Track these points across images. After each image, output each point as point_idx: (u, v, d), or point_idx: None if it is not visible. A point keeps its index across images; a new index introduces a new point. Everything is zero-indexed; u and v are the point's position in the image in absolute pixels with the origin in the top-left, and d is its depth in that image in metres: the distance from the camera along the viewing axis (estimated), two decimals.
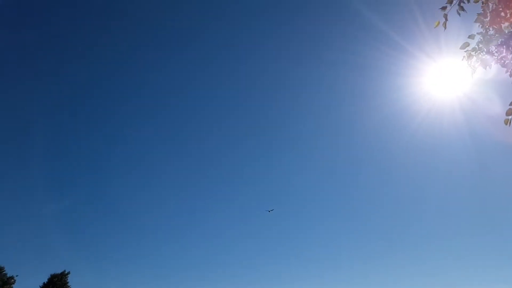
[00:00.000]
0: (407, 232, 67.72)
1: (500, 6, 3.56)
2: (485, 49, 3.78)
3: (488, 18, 3.66)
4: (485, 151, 60.73)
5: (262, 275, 62.11)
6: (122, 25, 64.07)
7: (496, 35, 3.70)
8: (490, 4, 3.63)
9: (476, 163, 62.95)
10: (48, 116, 67.60)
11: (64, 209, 60.79)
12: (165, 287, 61.28)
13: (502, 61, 3.73)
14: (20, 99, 64.05)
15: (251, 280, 61.53)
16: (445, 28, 3.83)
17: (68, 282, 33.90)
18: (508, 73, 3.72)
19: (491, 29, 3.69)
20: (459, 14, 3.77)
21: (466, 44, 3.85)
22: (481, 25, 3.75)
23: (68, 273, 34.27)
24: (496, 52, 3.74)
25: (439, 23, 3.84)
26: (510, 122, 3.50)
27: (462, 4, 3.74)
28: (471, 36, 3.80)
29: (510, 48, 3.64)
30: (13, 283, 32.05)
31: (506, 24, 3.60)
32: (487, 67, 3.82)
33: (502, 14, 3.55)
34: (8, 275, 32.01)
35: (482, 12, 3.69)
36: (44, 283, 33.27)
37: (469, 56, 3.86)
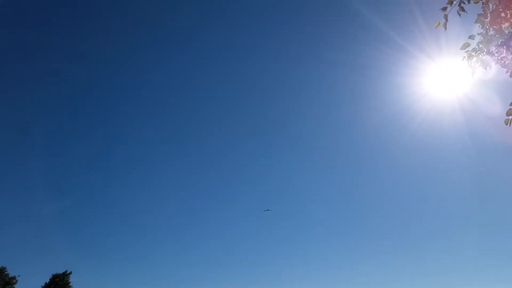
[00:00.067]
0: (407, 232, 67.74)
1: (500, 6, 3.56)
2: (485, 50, 3.79)
3: (489, 18, 3.66)
4: (485, 152, 60.73)
5: (263, 275, 62.13)
6: (122, 25, 64.07)
7: (496, 35, 3.70)
8: (490, 4, 3.63)
9: (476, 163, 62.97)
10: (48, 116, 67.62)
11: (64, 209, 60.83)
12: (165, 287, 61.29)
13: (502, 61, 3.73)
14: (20, 99, 64.08)
15: (251, 280, 61.56)
16: (445, 28, 3.84)
17: (70, 282, 33.97)
18: (508, 73, 3.73)
19: (491, 29, 3.69)
20: (459, 14, 3.78)
21: (466, 45, 3.85)
22: (481, 26, 3.75)
23: (70, 273, 34.35)
24: (496, 52, 3.74)
25: (439, 23, 3.85)
26: (510, 123, 3.50)
27: (462, 5, 3.74)
28: (471, 37, 3.81)
29: (510, 48, 3.65)
30: (15, 283, 32.11)
31: (506, 24, 3.60)
32: (487, 67, 3.82)
33: (503, 14, 3.55)
34: (10, 275, 32.08)
35: (483, 12, 3.69)
36: (46, 283, 33.33)
37: (470, 56, 3.86)
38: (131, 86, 70.16)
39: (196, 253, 65.46)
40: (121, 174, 70.99)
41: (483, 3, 3.70)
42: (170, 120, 72.60)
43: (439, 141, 65.14)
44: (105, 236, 64.96)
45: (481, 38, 3.77)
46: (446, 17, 3.80)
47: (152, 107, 71.95)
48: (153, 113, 72.60)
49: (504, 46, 3.68)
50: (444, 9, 3.78)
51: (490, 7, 3.64)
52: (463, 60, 3.92)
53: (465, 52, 3.88)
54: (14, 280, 32.14)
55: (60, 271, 34.44)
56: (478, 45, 3.81)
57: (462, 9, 3.74)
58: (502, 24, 3.60)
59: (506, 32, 3.66)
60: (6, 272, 32.11)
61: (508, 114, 3.52)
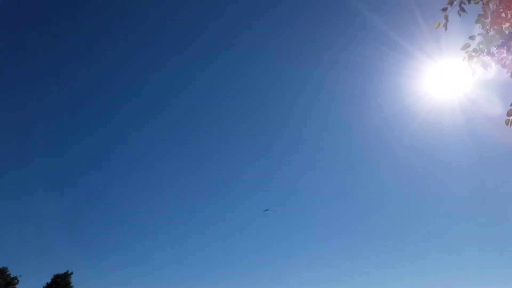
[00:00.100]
0: (407, 232, 67.71)
1: (500, 7, 3.56)
2: (485, 50, 3.78)
3: (489, 19, 3.66)
4: (486, 152, 60.73)
5: (263, 275, 62.12)
6: (122, 25, 64.09)
7: (497, 36, 3.70)
8: (491, 5, 3.63)
9: (476, 163, 62.92)
10: (48, 116, 67.62)
11: (64, 209, 60.81)
12: (165, 287, 61.26)
13: (503, 62, 3.73)
14: (20, 99, 64.08)
15: (251, 280, 61.55)
16: (445, 29, 3.84)
17: (71, 282, 34.04)
18: (509, 74, 3.73)
19: (491, 30, 3.69)
20: (460, 15, 3.78)
21: (466, 45, 3.85)
22: (481, 26, 3.75)
23: (71, 273, 34.44)
24: (496, 53, 3.74)
25: (439, 24, 3.85)
26: (511, 123, 3.50)
27: (462, 5, 3.74)
28: (471, 37, 3.80)
29: (510, 49, 3.65)
30: (17, 284, 32.16)
31: (507, 25, 3.60)
32: (488, 68, 3.82)
33: (503, 15, 3.55)
34: (11, 276, 32.10)
35: (483, 13, 3.69)
36: (47, 283, 33.40)
37: (470, 57, 3.86)
38: (131, 86, 70.23)
39: (196, 253, 65.45)
40: (121, 174, 71.01)
41: (483, 4, 3.70)
42: (170, 120, 72.67)
43: (439, 141, 65.18)
44: (105, 236, 64.99)
45: (482, 39, 3.77)
46: (446, 17, 3.80)
47: (152, 107, 72.02)
48: (153, 113, 72.65)
49: (505, 47, 3.68)
50: (445, 9, 3.78)
51: (491, 8, 3.64)
52: (463, 60, 3.92)
53: (466, 52, 3.88)
54: (16, 281, 32.19)
55: (61, 271, 34.56)
56: (478, 46, 3.81)
57: (463, 10, 3.74)
58: (502, 25, 3.60)
59: (507, 32, 3.66)
60: (7, 273, 32.16)
61: (508, 114, 3.52)
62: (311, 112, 71.69)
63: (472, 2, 3.76)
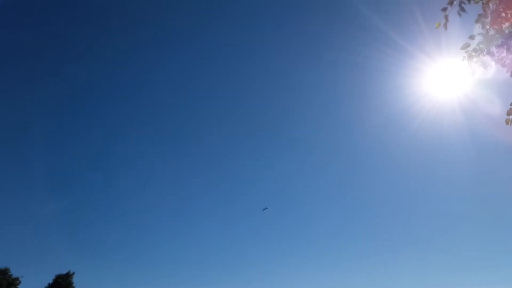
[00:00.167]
0: (406, 232, 67.71)
1: (500, 6, 3.57)
2: (485, 50, 3.79)
3: (489, 18, 3.67)
4: (486, 151, 60.70)
5: (263, 275, 62.13)
6: (122, 25, 64.10)
7: (497, 35, 3.71)
8: (490, 4, 3.64)
9: (476, 163, 62.94)
10: (48, 116, 67.66)
11: (64, 209, 60.86)
12: (166, 287, 61.31)
13: (503, 61, 3.74)
14: (20, 99, 64.11)
15: (252, 280, 61.56)
16: (445, 29, 3.85)
17: (73, 283, 34.09)
18: (509, 73, 3.74)
19: (491, 29, 3.70)
20: (460, 14, 3.78)
21: (466, 45, 3.86)
22: (481, 26, 3.76)
23: (73, 273, 34.51)
24: (496, 52, 3.75)
25: (440, 24, 3.86)
26: (511, 122, 3.51)
27: (462, 5, 3.75)
28: (471, 37, 3.82)
29: (510, 48, 3.66)
30: (18, 284, 32.22)
31: (507, 24, 3.61)
32: (488, 67, 3.83)
33: (503, 14, 3.56)
34: (13, 276, 32.16)
35: (483, 12, 3.70)
36: (49, 283, 33.47)
37: (470, 56, 3.87)
38: (131, 86, 70.23)
39: (197, 253, 65.47)
40: (121, 174, 71.01)
41: (483, 3, 3.71)
42: (170, 120, 72.68)
43: (439, 141, 65.17)
44: (105, 236, 65.03)
45: (482, 38, 3.78)
46: (446, 17, 3.81)
47: (152, 107, 72.03)
48: (153, 113, 72.67)
49: (505, 46, 3.69)
50: (444, 9, 3.79)
51: (491, 7, 3.65)
52: (463, 60, 3.93)
53: (466, 52, 3.89)
54: (18, 281, 32.25)
55: (61, 271, 34.59)
56: (478, 45, 3.82)
57: (463, 9, 3.75)
58: (502, 24, 3.61)
59: (507, 32, 3.67)
60: (9, 273, 32.21)
61: (508, 113, 3.53)
62: (311, 112, 71.71)
63: (472, 1, 3.77)
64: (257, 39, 66.63)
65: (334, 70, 65.00)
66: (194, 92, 70.40)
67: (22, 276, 32.84)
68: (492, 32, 3.72)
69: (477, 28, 3.80)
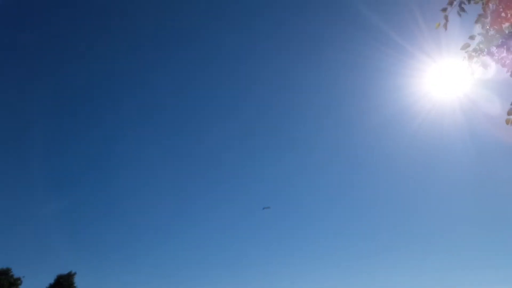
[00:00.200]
0: (406, 232, 67.61)
1: (500, 6, 3.58)
2: (485, 50, 3.80)
3: (489, 18, 3.68)
4: (486, 151, 60.56)
5: (263, 275, 62.13)
6: (122, 25, 64.07)
7: (497, 35, 3.72)
8: (490, 4, 3.65)
9: (477, 163, 62.92)
10: (48, 116, 67.67)
11: (64, 209, 60.88)
12: (166, 287, 61.36)
13: (503, 61, 3.75)
14: (20, 99, 64.09)
15: (252, 280, 61.56)
16: (445, 29, 3.86)
17: (74, 283, 34.12)
18: (509, 73, 3.74)
19: (491, 29, 3.71)
20: (460, 15, 3.79)
21: (466, 45, 3.87)
22: (481, 26, 3.77)
23: (75, 273, 34.58)
24: (496, 52, 3.76)
25: (439, 24, 3.87)
26: (511, 122, 3.52)
27: (462, 5, 3.76)
28: (471, 37, 3.82)
29: (510, 48, 3.66)
30: (20, 284, 32.28)
31: (507, 24, 3.62)
32: (488, 67, 3.84)
33: (503, 14, 3.57)
34: (15, 276, 32.22)
35: (483, 12, 3.71)
36: (50, 284, 33.53)
37: (470, 56, 3.88)
38: (131, 86, 70.13)
39: (198, 253, 65.46)
40: (121, 174, 70.97)
41: (483, 4, 3.72)
42: (170, 120, 72.58)
43: (439, 141, 65.13)
44: (106, 236, 64.98)
45: (482, 38, 3.79)
46: (446, 17, 3.82)
47: (152, 107, 71.93)
48: (153, 113, 72.60)
49: (505, 46, 3.69)
50: (444, 9, 3.80)
51: (491, 7, 3.66)
52: (463, 60, 3.93)
53: (466, 52, 3.90)
54: (19, 281, 32.31)
55: (62, 271, 34.65)
56: (478, 45, 3.83)
57: (462, 10, 3.76)
58: (502, 24, 3.61)
59: (507, 32, 3.68)
60: (11, 274, 32.27)
61: (509, 113, 3.54)
62: (311, 112, 71.60)
63: (472, 2, 3.78)
64: (257, 39, 66.60)
65: (334, 70, 64.92)
66: (194, 92, 70.36)
67: (23, 276, 32.93)
68: (492, 32, 3.73)
69: (477, 28, 3.81)
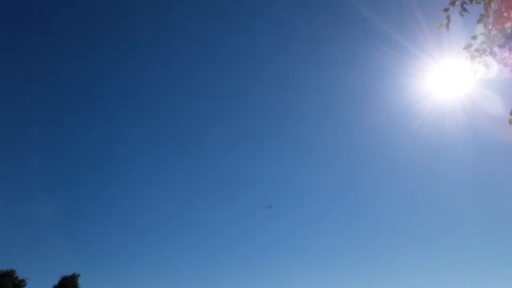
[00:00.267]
0: (407, 232, 67.36)
1: (503, 6, 3.57)
2: (488, 50, 3.79)
3: (491, 18, 3.67)
4: (488, 152, 60.25)
5: (263, 275, 62.07)
6: (122, 25, 64.17)
7: (499, 35, 3.71)
8: (493, 4, 3.64)
9: (478, 163, 62.65)
10: (47, 116, 67.82)
11: (65, 209, 60.99)
12: (167, 287, 61.43)
13: (505, 61, 3.74)
14: (20, 99, 64.24)
15: (252, 280, 61.52)
16: (447, 29, 3.85)
17: (78, 284, 34.20)
18: (511, 73, 3.73)
19: (494, 29, 3.70)
20: (462, 15, 3.79)
21: (468, 45, 3.86)
22: (484, 26, 3.76)
23: (79, 275, 34.68)
24: (499, 52, 3.75)
25: (441, 24, 3.86)
26: None
27: (464, 5, 3.75)
28: (474, 37, 3.82)
29: None
30: (24, 286, 32.37)
31: (509, 24, 3.61)
32: (490, 67, 3.83)
33: (505, 14, 3.56)
34: (19, 278, 32.31)
35: (485, 12, 3.70)
36: (54, 285, 33.61)
37: (472, 56, 3.87)
38: (131, 86, 70.07)
39: (198, 253, 65.48)
40: (121, 174, 71.02)
41: (485, 3, 3.71)
42: (170, 120, 72.58)
43: (441, 141, 64.81)
44: (105, 236, 65.06)
45: (484, 38, 3.78)
46: (448, 17, 3.82)
47: (151, 107, 71.96)
48: (152, 113, 72.63)
49: (507, 46, 3.68)
50: (446, 10, 3.79)
51: (493, 7, 3.65)
52: (465, 60, 3.93)
53: (468, 52, 3.89)
54: (23, 283, 32.40)
55: (65, 272, 34.79)
56: (480, 45, 3.82)
57: (465, 10, 3.76)
58: (504, 24, 3.61)
59: (509, 31, 3.67)
60: (15, 275, 32.37)
61: (511, 113, 3.53)
62: (311, 112, 71.47)
63: (474, 2, 3.77)
64: (257, 39, 66.53)
65: (334, 70, 64.65)
66: (194, 92, 70.31)
67: (28, 278, 33.03)
68: (494, 32, 3.72)
69: (479, 28, 3.80)
